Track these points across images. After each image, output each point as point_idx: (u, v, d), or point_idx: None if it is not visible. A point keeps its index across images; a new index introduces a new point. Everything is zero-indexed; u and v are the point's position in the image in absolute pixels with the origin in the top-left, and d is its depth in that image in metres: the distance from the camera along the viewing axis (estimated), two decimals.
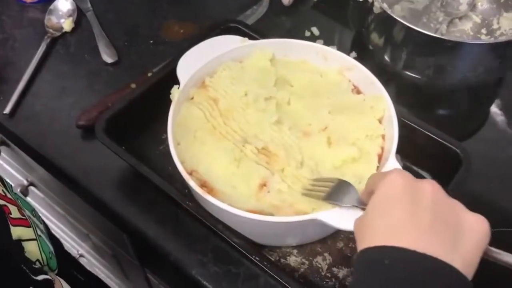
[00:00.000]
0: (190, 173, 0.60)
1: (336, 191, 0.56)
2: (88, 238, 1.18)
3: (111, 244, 1.02)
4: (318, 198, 0.57)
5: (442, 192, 0.42)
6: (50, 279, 0.58)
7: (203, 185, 0.60)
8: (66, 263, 0.72)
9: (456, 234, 0.39)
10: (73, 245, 1.39)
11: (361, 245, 0.42)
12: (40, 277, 0.56)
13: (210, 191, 0.59)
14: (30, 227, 0.61)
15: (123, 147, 0.68)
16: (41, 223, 0.70)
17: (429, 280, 0.37)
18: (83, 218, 1.05)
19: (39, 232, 0.64)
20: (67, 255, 0.82)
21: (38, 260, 0.60)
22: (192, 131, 0.64)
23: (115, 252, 1.05)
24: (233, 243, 0.60)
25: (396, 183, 0.42)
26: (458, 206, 0.42)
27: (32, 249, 0.59)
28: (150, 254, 0.69)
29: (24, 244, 0.58)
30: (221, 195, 0.59)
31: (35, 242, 0.61)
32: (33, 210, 0.69)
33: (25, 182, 1.13)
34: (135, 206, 0.70)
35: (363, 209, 0.51)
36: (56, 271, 0.65)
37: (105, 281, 0.94)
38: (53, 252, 0.67)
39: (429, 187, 0.42)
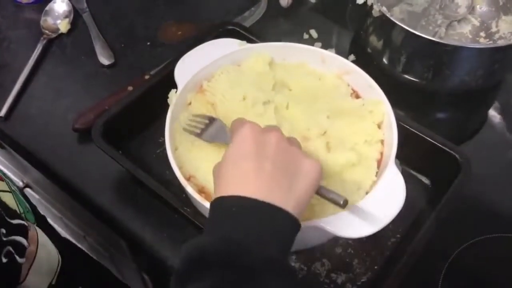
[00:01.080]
0: (188, 179, 0.60)
1: (210, 129, 0.62)
2: (85, 239, 1.17)
3: (108, 246, 1.02)
4: (193, 134, 0.62)
5: (284, 141, 0.50)
6: (25, 225, 0.59)
7: (201, 190, 0.59)
8: (44, 223, 0.72)
9: (292, 178, 0.47)
10: (67, 237, 1.37)
11: (216, 190, 0.49)
12: (15, 221, 0.57)
13: (208, 197, 0.58)
14: (4, 181, 0.62)
15: (120, 151, 0.68)
16: (13, 185, 0.70)
17: (265, 223, 0.44)
18: (79, 221, 1.05)
19: (13, 188, 0.65)
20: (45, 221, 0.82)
21: (15, 210, 0.61)
22: (190, 137, 0.64)
23: (112, 254, 1.05)
24: None
25: (246, 137, 0.49)
26: (297, 153, 0.50)
27: (7, 200, 0.60)
28: (148, 259, 0.68)
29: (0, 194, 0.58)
30: None
31: (10, 194, 0.62)
32: (4, 174, 0.69)
33: (21, 184, 1.12)
34: (131, 211, 0.70)
35: None
36: (35, 224, 0.65)
37: None
38: (30, 209, 0.67)
39: (273, 138, 0.49)
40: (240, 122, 0.53)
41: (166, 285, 0.86)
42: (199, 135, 0.62)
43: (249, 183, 0.46)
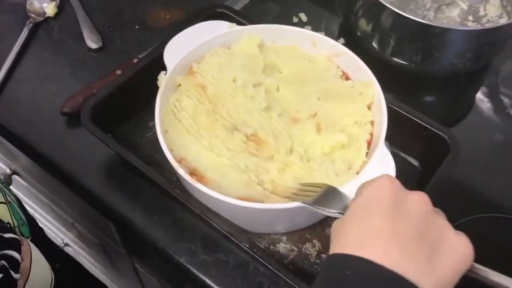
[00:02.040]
0: (179, 161, 0.60)
1: (324, 197, 0.52)
2: (74, 227, 1.17)
3: (97, 233, 1.01)
4: (305, 202, 0.53)
5: (430, 205, 0.40)
6: (17, 239, 0.57)
7: (192, 173, 0.59)
8: (40, 237, 0.72)
9: (434, 253, 0.37)
10: (58, 234, 1.37)
11: (333, 248, 0.39)
12: (7, 235, 0.56)
13: (200, 179, 0.58)
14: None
15: (109, 134, 0.67)
16: (12, 195, 0.69)
17: None
18: (68, 207, 1.04)
19: (8, 199, 0.64)
20: (42, 233, 0.81)
21: (9, 223, 0.60)
22: (180, 119, 0.63)
23: (101, 241, 1.05)
24: (222, 231, 0.60)
25: (383, 187, 0.40)
26: (444, 224, 0.40)
27: (1, 212, 0.59)
28: (138, 242, 0.68)
29: None
30: (210, 183, 0.59)
31: (4, 205, 0.61)
32: (2, 183, 0.68)
33: (8, 171, 1.11)
34: (121, 194, 0.69)
35: None
36: (30, 239, 0.65)
37: (91, 271, 0.94)
38: (26, 221, 0.66)
39: (417, 198, 0.40)
40: (371, 179, 0.43)
41: (157, 268, 0.86)
42: (312, 203, 0.51)
43: (375, 244, 0.36)
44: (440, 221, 0.40)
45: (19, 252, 0.57)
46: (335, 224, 0.43)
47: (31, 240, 0.65)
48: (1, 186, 0.65)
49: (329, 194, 0.52)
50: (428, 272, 0.36)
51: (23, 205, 0.74)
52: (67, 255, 0.86)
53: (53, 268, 0.66)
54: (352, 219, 0.40)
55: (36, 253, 0.62)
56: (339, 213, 0.48)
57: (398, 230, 0.37)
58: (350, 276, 0.35)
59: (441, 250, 0.37)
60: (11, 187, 1.08)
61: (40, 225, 0.82)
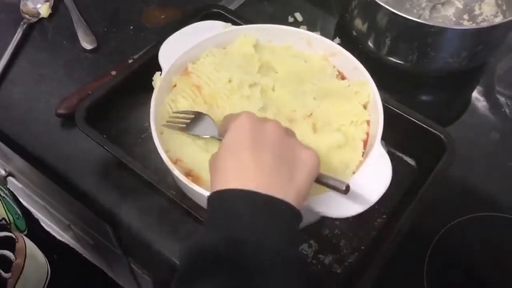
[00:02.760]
0: (174, 162, 0.59)
1: (195, 123, 0.61)
2: (69, 228, 1.16)
3: (93, 234, 1.01)
4: (178, 129, 0.61)
5: (282, 132, 0.49)
6: (12, 237, 0.57)
7: (188, 174, 0.59)
8: (36, 229, 0.71)
9: (291, 169, 0.46)
10: (56, 236, 1.36)
11: (214, 183, 0.47)
12: (1, 234, 0.56)
13: (196, 180, 0.58)
14: None
15: (104, 136, 0.67)
16: (6, 189, 0.69)
17: (269, 216, 0.43)
18: (64, 208, 1.04)
19: (2, 194, 0.64)
20: (37, 224, 0.81)
21: (4, 218, 0.60)
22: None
23: (97, 242, 1.04)
24: None
25: (244, 126, 0.48)
26: (295, 144, 0.49)
27: None
28: (134, 244, 0.68)
29: None
30: (206, 184, 0.58)
31: None
32: None
33: (3, 173, 1.10)
34: (117, 195, 0.69)
35: (220, 140, 0.55)
36: (26, 232, 0.64)
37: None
38: (21, 215, 0.66)
39: (271, 128, 0.48)
40: (234, 114, 0.52)
41: (153, 270, 0.85)
42: (184, 129, 0.61)
43: (248, 175, 0.45)
44: (292, 141, 0.49)
45: (13, 250, 0.57)
46: (211, 159, 0.50)
47: (27, 233, 0.65)
48: None
49: (200, 120, 0.61)
50: (290, 187, 0.45)
51: (18, 199, 0.74)
52: (64, 245, 0.86)
53: (51, 259, 0.65)
54: (225, 155, 0.47)
55: (31, 248, 0.62)
56: (211, 137, 0.59)
57: (263, 159, 0.46)
58: (236, 207, 0.44)
59: (297, 166, 0.47)
60: None
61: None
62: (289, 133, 0.51)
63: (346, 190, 0.50)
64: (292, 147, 0.48)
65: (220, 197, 0.45)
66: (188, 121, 0.61)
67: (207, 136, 0.60)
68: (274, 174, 0.45)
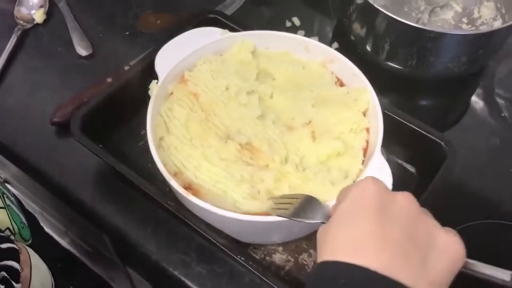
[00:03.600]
0: (174, 175, 0.58)
1: (303, 207, 0.51)
2: (66, 234, 1.15)
3: (90, 241, 1.00)
4: (284, 216, 0.51)
5: (417, 206, 0.39)
6: (15, 248, 0.56)
7: (188, 187, 0.58)
8: (41, 237, 0.71)
9: (426, 254, 0.36)
10: (60, 242, 1.35)
11: (321, 256, 0.38)
12: (5, 245, 0.55)
13: (196, 193, 0.57)
14: None
15: (100, 145, 0.66)
16: (11, 195, 0.68)
17: None
18: (60, 215, 1.02)
19: (8, 202, 0.63)
20: (43, 231, 0.80)
21: (8, 228, 0.59)
22: (174, 130, 0.62)
23: (94, 249, 1.03)
24: (217, 243, 0.59)
25: (367, 190, 0.39)
26: (432, 223, 0.39)
27: (1, 217, 0.58)
28: (131, 254, 0.67)
29: None
30: (206, 197, 0.57)
31: (3, 210, 0.60)
32: (0, 183, 0.67)
33: None
34: (114, 205, 0.68)
35: None
36: (30, 241, 0.64)
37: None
38: (26, 223, 0.65)
39: (404, 199, 0.39)
40: (351, 184, 0.43)
41: (152, 279, 0.85)
42: (292, 216, 0.51)
43: (366, 249, 0.35)
44: (429, 221, 0.39)
45: (18, 261, 0.56)
46: (320, 231, 0.41)
47: (32, 241, 0.64)
48: (0, 188, 0.64)
49: (308, 204, 0.51)
50: (421, 275, 0.35)
51: (22, 205, 0.73)
52: (68, 253, 0.85)
53: (54, 267, 0.65)
54: (338, 224, 0.39)
55: (35, 259, 0.61)
56: (321, 222, 0.46)
57: (386, 233, 0.36)
58: (343, 285, 0.34)
59: (433, 251, 0.37)
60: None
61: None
62: (424, 211, 0.40)
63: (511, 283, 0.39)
64: (429, 227, 0.38)
65: (322, 270, 0.37)
66: (292, 204, 0.52)
67: (319, 221, 0.47)
68: (401, 254, 0.35)
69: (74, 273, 0.82)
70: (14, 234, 0.61)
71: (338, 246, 0.37)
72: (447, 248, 0.37)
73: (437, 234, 0.38)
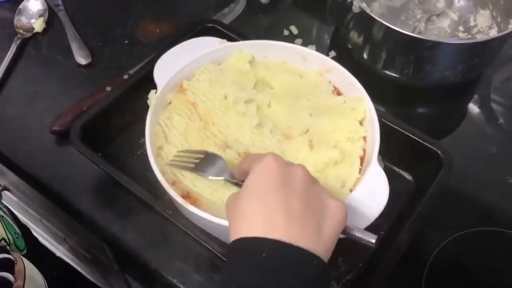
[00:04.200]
0: (172, 183, 0.59)
1: (204, 163, 0.56)
2: (65, 241, 1.16)
3: (89, 249, 1.00)
4: (186, 169, 0.57)
5: (310, 177, 0.46)
6: (10, 259, 0.57)
7: (186, 196, 0.58)
8: (35, 247, 0.71)
9: (320, 220, 0.43)
10: (49, 247, 1.35)
11: (235, 229, 0.43)
12: (1, 256, 0.56)
13: (194, 202, 0.57)
14: None
15: (99, 153, 0.66)
16: (4, 207, 0.68)
17: (296, 269, 0.40)
18: (60, 223, 1.03)
19: (1, 213, 0.63)
20: (36, 242, 0.80)
21: (3, 239, 0.60)
22: (173, 139, 0.63)
23: (93, 256, 1.03)
24: (215, 252, 0.59)
25: (270, 167, 0.45)
26: (322, 192, 0.46)
27: None
28: (130, 262, 0.67)
29: None
30: (205, 206, 0.58)
31: None
32: None
33: None
34: (113, 214, 0.68)
35: (235, 183, 0.55)
36: (25, 251, 0.64)
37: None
38: (20, 233, 0.65)
39: (300, 172, 0.45)
40: (257, 155, 0.49)
41: (150, 287, 0.84)
42: (193, 170, 0.57)
43: (276, 222, 0.41)
44: (319, 189, 0.46)
45: (13, 272, 0.57)
46: (231, 201, 0.46)
47: (26, 252, 0.64)
48: None
49: (212, 161, 0.56)
50: (320, 240, 0.42)
51: (16, 216, 0.73)
52: (63, 262, 0.85)
53: (50, 277, 0.65)
54: (249, 199, 0.44)
55: (30, 269, 0.61)
56: (224, 179, 0.54)
57: (291, 207, 0.42)
58: (266, 257, 0.40)
59: (325, 216, 0.44)
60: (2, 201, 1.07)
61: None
62: (314, 179, 0.47)
63: (376, 243, 0.47)
64: (320, 196, 0.45)
65: (243, 246, 0.42)
66: (197, 161, 0.57)
67: (221, 179, 0.55)
68: (304, 223, 0.42)
69: (70, 282, 0.81)
70: (9, 245, 0.61)
71: (252, 222, 0.42)
72: (335, 214, 0.44)
73: (328, 201, 0.45)
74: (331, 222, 0.44)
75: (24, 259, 0.61)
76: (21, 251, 0.64)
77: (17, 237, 0.64)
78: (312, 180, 0.46)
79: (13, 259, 0.58)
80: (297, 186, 0.44)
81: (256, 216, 0.42)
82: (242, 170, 0.50)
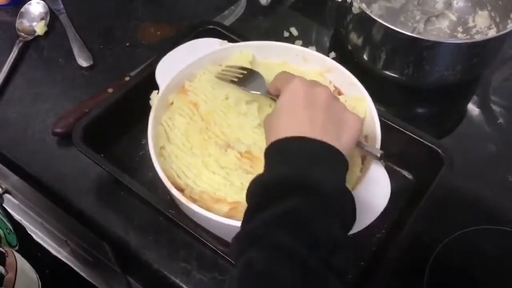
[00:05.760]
0: (174, 182, 0.59)
1: (247, 79, 0.64)
2: (67, 244, 1.16)
3: (91, 251, 1.00)
4: (231, 82, 0.65)
5: (332, 95, 0.54)
6: (2, 252, 0.57)
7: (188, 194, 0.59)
8: (29, 245, 0.71)
9: (339, 130, 0.51)
10: (50, 251, 1.35)
11: (270, 137, 0.51)
12: None
13: (196, 201, 0.58)
14: None
15: (102, 154, 0.66)
16: None
17: (324, 159, 0.49)
18: (60, 225, 1.03)
19: None
20: (31, 239, 0.80)
21: None
22: (176, 139, 0.63)
23: (95, 259, 1.03)
24: (217, 250, 0.60)
25: (298, 89, 0.53)
26: (342, 107, 0.54)
27: None
28: (132, 262, 0.68)
29: None
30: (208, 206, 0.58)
31: None
32: None
33: (0, 190, 1.10)
34: (115, 214, 0.69)
35: (271, 98, 0.63)
36: (17, 248, 0.64)
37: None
38: (12, 229, 0.66)
39: (323, 92, 0.53)
40: (287, 76, 0.58)
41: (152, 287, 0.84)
42: (236, 83, 0.64)
43: (304, 130, 0.50)
44: (340, 105, 0.54)
45: (4, 264, 0.57)
46: (266, 120, 0.55)
47: (19, 248, 0.64)
48: None
49: (253, 78, 0.64)
50: (338, 144, 0.50)
51: (10, 214, 0.74)
52: (58, 260, 0.86)
53: (43, 274, 0.65)
54: (281, 115, 0.52)
55: (22, 263, 0.61)
56: (261, 94, 0.63)
57: (316, 119, 0.51)
58: (296, 147, 0.49)
59: (344, 127, 0.52)
60: (4, 205, 1.08)
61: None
62: (335, 97, 0.55)
63: (381, 158, 0.56)
64: (340, 110, 0.53)
65: (279, 144, 0.50)
66: (241, 76, 0.65)
67: (258, 93, 0.63)
68: (326, 131, 0.50)
69: (64, 280, 0.82)
70: (0, 239, 0.61)
71: (284, 128, 0.51)
72: (353, 124, 0.53)
73: (346, 115, 0.53)
74: (348, 132, 0.52)
75: (16, 253, 0.61)
76: (12, 246, 0.64)
77: (9, 233, 0.64)
78: (333, 98, 0.54)
79: (4, 251, 0.58)
80: (320, 103, 0.52)
81: (286, 127, 0.51)
82: (275, 88, 0.59)
